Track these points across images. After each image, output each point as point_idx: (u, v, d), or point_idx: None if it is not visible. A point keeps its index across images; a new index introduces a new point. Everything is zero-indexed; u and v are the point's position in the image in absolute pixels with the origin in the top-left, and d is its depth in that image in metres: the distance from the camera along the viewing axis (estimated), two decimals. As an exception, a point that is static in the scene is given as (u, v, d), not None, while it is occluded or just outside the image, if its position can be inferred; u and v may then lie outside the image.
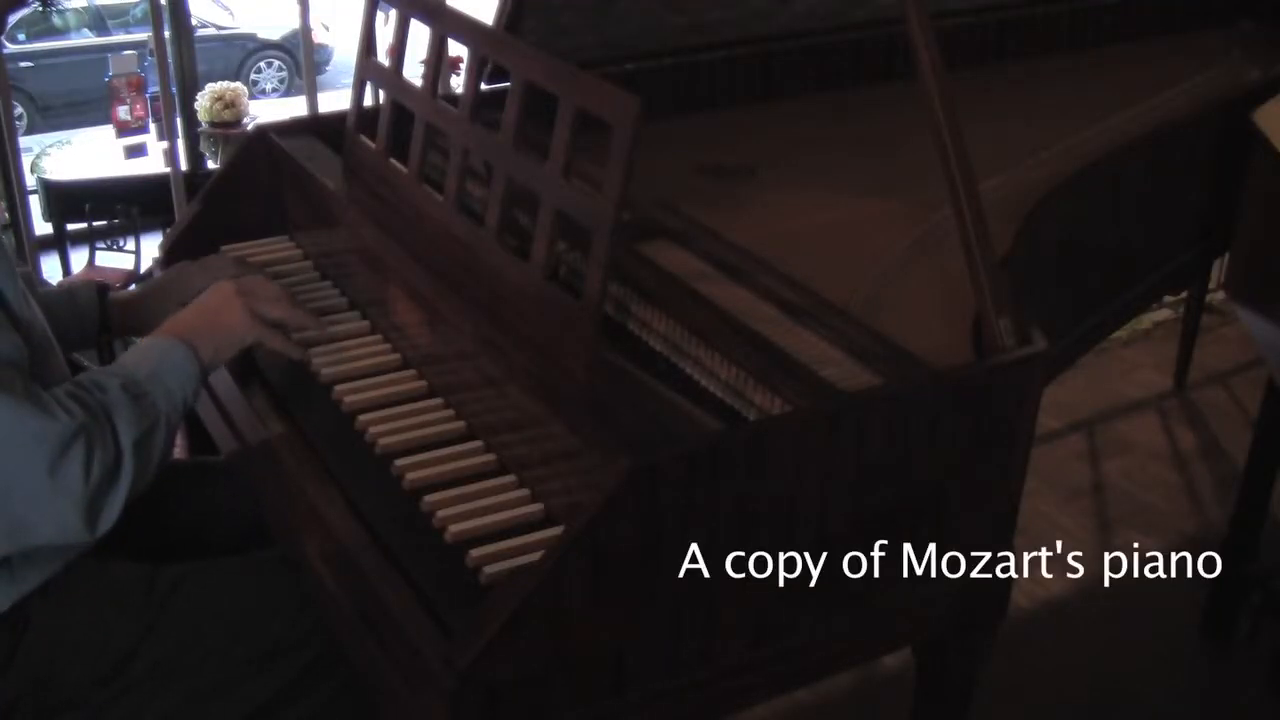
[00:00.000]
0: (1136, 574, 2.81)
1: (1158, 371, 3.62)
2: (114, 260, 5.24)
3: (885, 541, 1.39)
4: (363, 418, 1.54)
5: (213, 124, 5.34)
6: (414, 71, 1.79)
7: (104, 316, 1.69)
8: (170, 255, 1.93)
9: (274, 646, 1.45)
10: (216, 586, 1.49)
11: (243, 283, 1.57)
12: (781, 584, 1.32)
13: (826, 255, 1.73)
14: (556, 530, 1.32)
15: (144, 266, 4.93)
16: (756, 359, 1.37)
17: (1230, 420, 3.40)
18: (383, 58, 1.86)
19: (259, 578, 1.51)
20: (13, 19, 1.49)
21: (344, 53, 10.22)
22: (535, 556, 1.22)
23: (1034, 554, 2.79)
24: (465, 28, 1.67)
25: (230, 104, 5.33)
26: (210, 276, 1.78)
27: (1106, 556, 2.86)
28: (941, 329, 1.54)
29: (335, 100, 5.56)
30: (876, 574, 1.41)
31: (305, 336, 1.64)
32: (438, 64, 1.73)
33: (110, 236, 5.48)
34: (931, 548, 1.43)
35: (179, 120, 5.15)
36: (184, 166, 4.91)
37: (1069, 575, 2.78)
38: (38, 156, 5.83)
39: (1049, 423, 3.33)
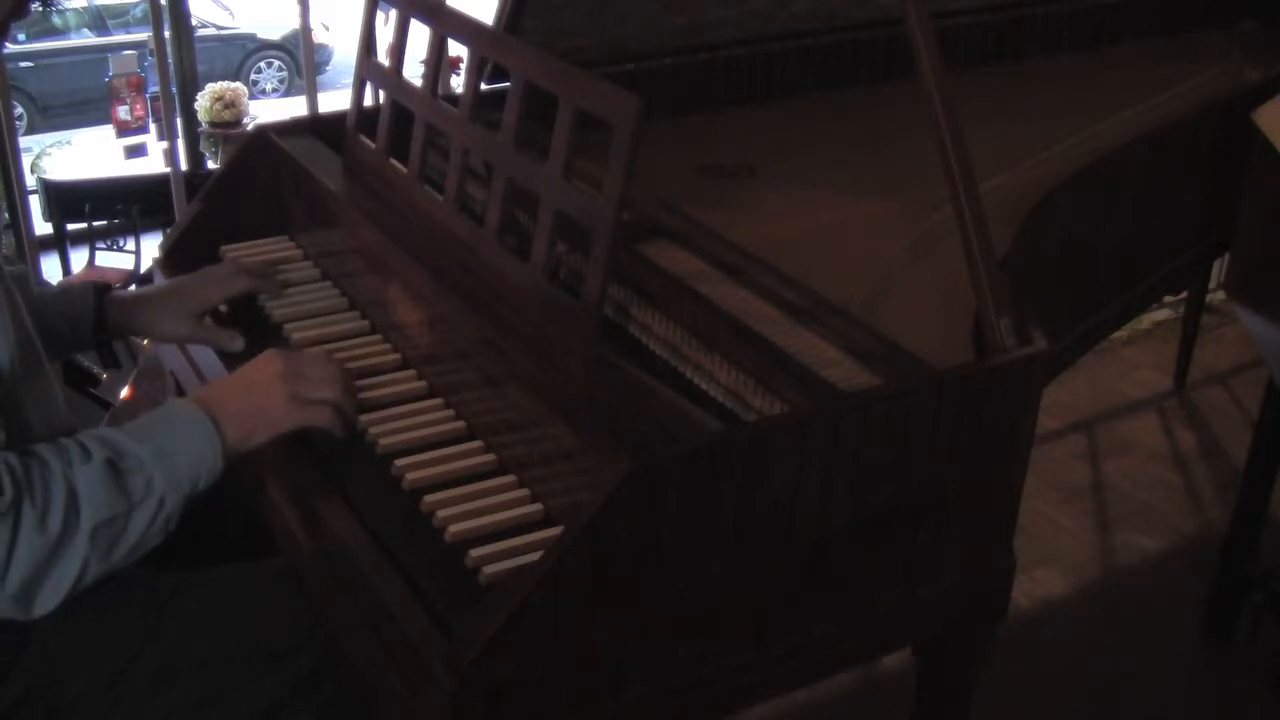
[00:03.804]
0: (1136, 574, 2.81)
1: (1158, 371, 3.62)
2: (114, 260, 5.26)
3: (885, 541, 1.39)
4: (363, 418, 1.53)
5: (213, 124, 5.35)
6: (414, 71, 1.79)
7: (100, 316, 1.68)
8: (170, 255, 1.93)
9: (275, 650, 1.45)
10: (218, 591, 1.48)
11: (293, 362, 1.44)
12: (781, 584, 1.33)
13: (826, 255, 1.73)
14: (556, 530, 1.32)
15: (144, 266, 4.94)
16: (757, 360, 1.37)
17: (1230, 420, 3.40)
18: (383, 58, 1.86)
19: (260, 582, 1.51)
20: (15, 27, 1.45)
21: (344, 53, 10.23)
22: (535, 556, 1.22)
23: (1034, 554, 2.79)
24: (465, 28, 1.67)
25: (230, 104, 5.34)
26: (222, 289, 1.76)
27: (1106, 556, 2.86)
28: (942, 329, 1.54)
29: (335, 100, 5.56)
30: (877, 574, 1.41)
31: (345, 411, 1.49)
32: (438, 64, 1.73)
33: (110, 236, 5.50)
34: (931, 548, 1.43)
35: (179, 120, 5.16)
36: (184, 166, 4.92)
37: (1069, 575, 2.78)
38: (38, 156, 5.85)
39: (1049, 423, 3.33)
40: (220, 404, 1.38)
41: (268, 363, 1.44)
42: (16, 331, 1.35)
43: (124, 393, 2.52)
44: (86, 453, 1.27)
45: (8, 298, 1.34)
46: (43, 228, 4.97)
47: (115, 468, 1.28)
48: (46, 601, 1.26)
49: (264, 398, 1.41)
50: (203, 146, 5.46)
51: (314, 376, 1.45)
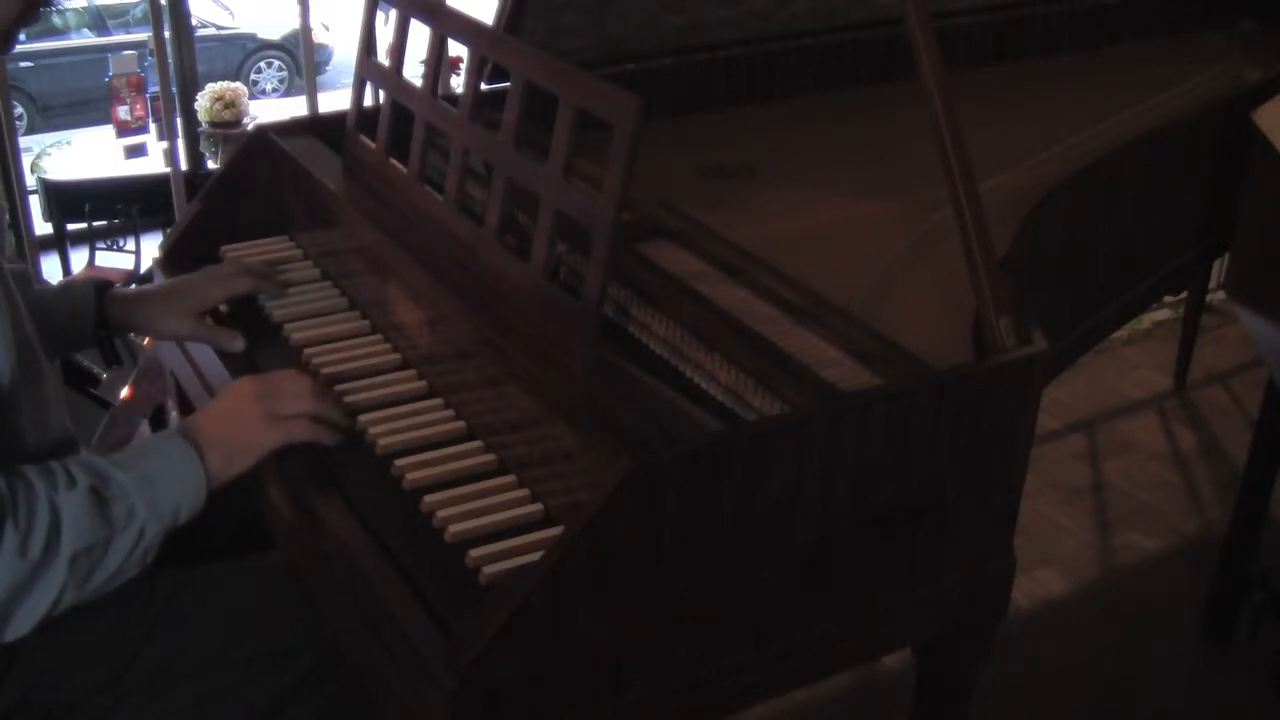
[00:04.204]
0: (1136, 574, 2.81)
1: (1158, 371, 3.62)
2: (114, 260, 5.25)
3: (885, 541, 1.39)
4: (363, 418, 1.53)
5: (213, 124, 5.34)
6: (414, 71, 1.79)
7: (101, 313, 1.68)
8: (170, 255, 1.93)
9: (275, 650, 1.45)
10: (217, 590, 1.48)
11: (264, 383, 1.45)
12: (781, 584, 1.33)
13: (827, 255, 1.73)
14: (556, 530, 1.32)
15: (144, 266, 4.93)
16: (757, 360, 1.37)
17: (1230, 420, 3.40)
18: (383, 58, 1.86)
19: (259, 581, 1.51)
20: (21, 34, 1.45)
21: (344, 53, 10.22)
22: (535, 556, 1.22)
23: (1034, 554, 2.79)
24: (465, 28, 1.67)
25: (230, 104, 5.33)
26: (223, 288, 1.77)
27: (1106, 556, 2.86)
28: (942, 329, 1.54)
29: (335, 100, 5.56)
30: (877, 574, 1.41)
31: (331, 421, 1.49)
32: (438, 64, 1.73)
33: (110, 236, 5.49)
34: (932, 548, 1.43)
35: (179, 120, 5.15)
36: (184, 166, 4.91)
37: (1069, 575, 2.78)
38: (38, 156, 5.84)
39: (1049, 423, 3.33)
40: (200, 433, 1.39)
41: (240, 387, 1.45)
42: (16, 337, 1.35)
43: (124, 392, 2.52)
44: (72, 479, 1.27)
45: (8, 300, 1.34)
46: (43, 228, 4.96)
47: (99, 495, 1.28)
48: (20, 625, 1.26)
49: (241, 421, 1.41)
50: (203, 146, 5.45)
51: (286, 393, 1.45)
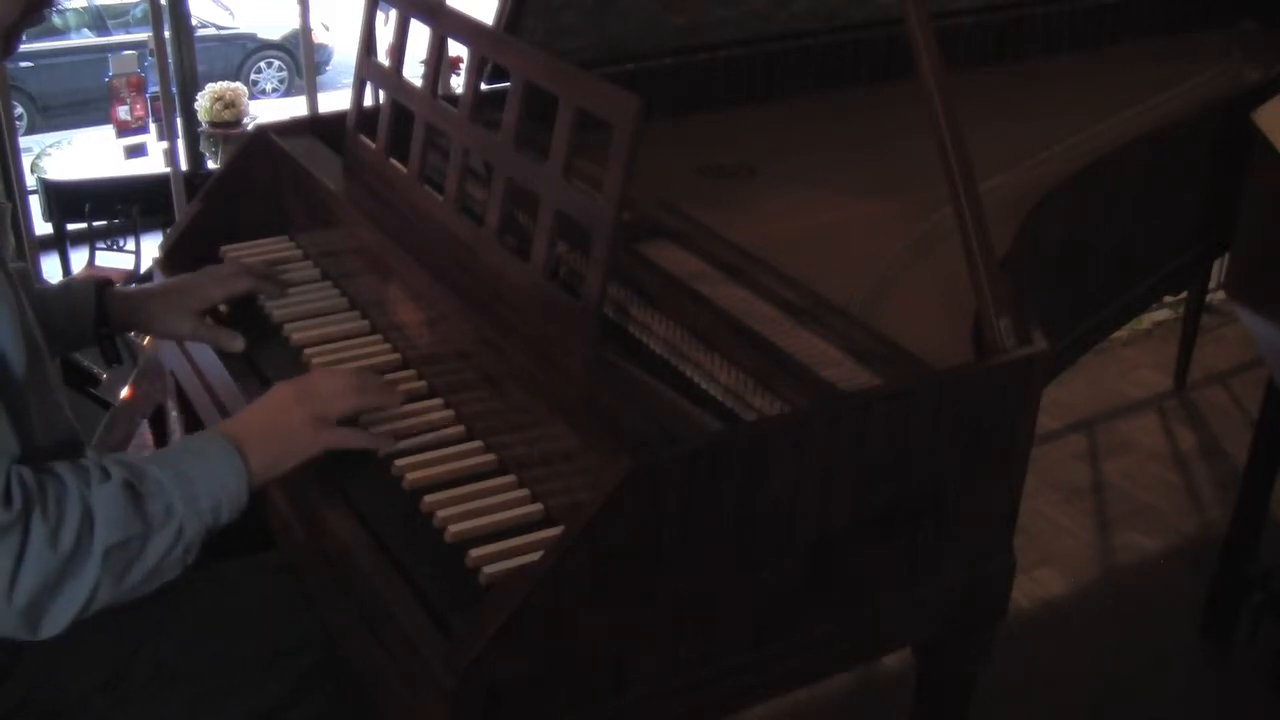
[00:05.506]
0: (1136, 574, 2.81)
1: (1158, 371, 3.62)
2: (114, 260, 5.25)
3: (885, 541, 1.39)
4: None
5: (213, 124, 5.34)
6: (414, 71, 1.79)
7: (102, 311, 1.68)
8: (170, 255, 1.93)
9: (276, 650, 1.45)
10: (218, 590, 1.48)
11: (302, 385, 1.44)
12: (781, 584, 1.33)
13: (827, 255, 1.73)
14: (556, 530, 1.32)
15: (144, 266, 4.93)
16: (757, 360, 1.37)
17: (1230, 420, 3.40)
18: (383, 58, 1.86)
19: (261, 581, 1.51)
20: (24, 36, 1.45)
21: (344, 53, 10.22)
22: (535, 556, 1.22)
23: (1034, 554, 2.79)
24: (465, 28, 1.67)
25: (230, 104, 5.33)
26: (224, 287, 1.77)
27: (1106, 556, 2.86)
28: (942, 329, 1.54)
29: (335, 100, 5.56)
30: (876, 574, 1.41)
31: (384, 415, 1.50)
32: (438, 64, 1.73)
33: (110, 236, 5.49)
34: (931, 548, 1.43)
35: (179, 120, 5.15)
36: (184, 166, 4.91)
37: (1069, 575, 2.78)
38: (38, 156, 5.84)
39: (1049, 423, 3.33)
40: (244, 434, 1.37)
41: (278, 393, 1.44)
42: (22, 330, 1.35)
43: (124, 392, 2.52)
44: (105, 473, 1.26)
45: (14, 295, 1.34)
46: (43, 228, 4.96)
47: (134, 490, 1.26)
48: (54, 622, 1.24)
49: (285, 425, 1.40)
50: (203, 146, 5.45)
51: (324, 392, 1.44)
